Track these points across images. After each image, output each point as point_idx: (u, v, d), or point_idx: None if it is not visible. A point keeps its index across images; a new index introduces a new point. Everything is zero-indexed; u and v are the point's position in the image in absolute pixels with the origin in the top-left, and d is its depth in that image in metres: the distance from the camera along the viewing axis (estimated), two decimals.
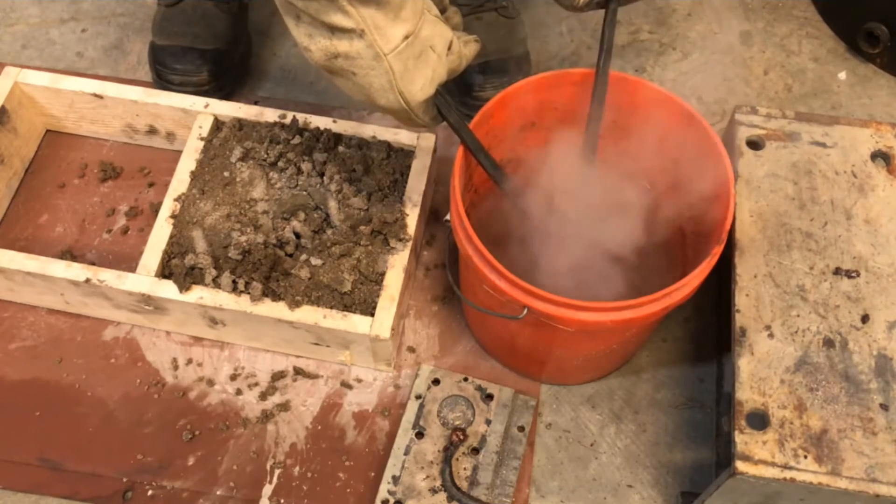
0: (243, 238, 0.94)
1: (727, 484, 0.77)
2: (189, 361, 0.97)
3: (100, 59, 1.22)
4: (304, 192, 0.99)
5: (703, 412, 0.96)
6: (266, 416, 0.94)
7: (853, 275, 0.84)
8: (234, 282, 0.90)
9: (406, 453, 0.89)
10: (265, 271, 0.91)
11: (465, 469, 0.88)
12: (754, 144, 0.92)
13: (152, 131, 1.09)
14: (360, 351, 0.93)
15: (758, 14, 1.28)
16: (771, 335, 0.81)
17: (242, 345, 0.98)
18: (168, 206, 0.97)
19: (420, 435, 0.90)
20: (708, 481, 0.84)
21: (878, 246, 0.86)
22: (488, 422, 0.90)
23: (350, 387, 0.96)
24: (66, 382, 0.96)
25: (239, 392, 0.96)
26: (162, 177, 1.09)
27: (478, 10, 1.12)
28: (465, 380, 0.93)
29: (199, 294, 0.91)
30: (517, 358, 0.95)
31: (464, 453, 0.89)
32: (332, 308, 0.90)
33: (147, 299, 0.92)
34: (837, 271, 0.84)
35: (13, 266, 0.92)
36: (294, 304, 0.89)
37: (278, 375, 0.96)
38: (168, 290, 0.91)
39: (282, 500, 0.90)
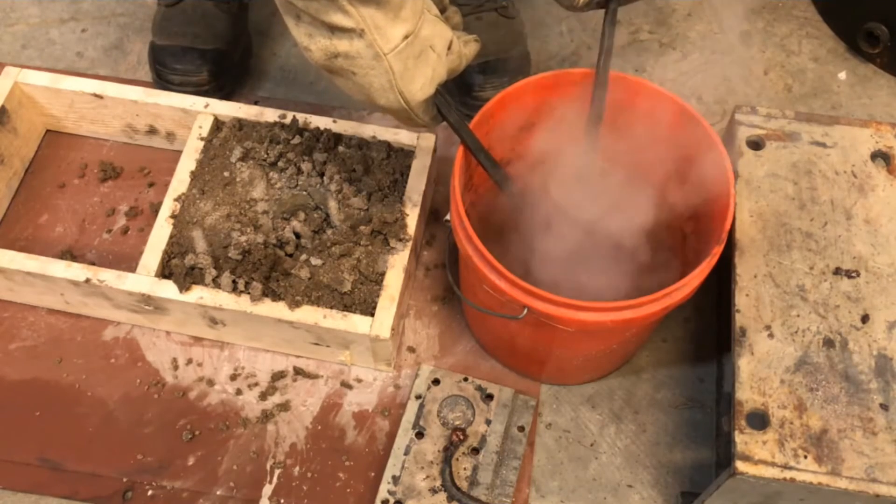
0: (243, 238, 0.94)
1: (727, 484, 0.77)
2: (189, 361, 0.97)
3: (100, 59, 1.22)
4: (304, 192, 0.99)
5: (703, 412, 0.96)
6: (266, 416, 0.94)
7: (853, 275, 0.84)
8: (234, 282, 0.90)
9: (406, 453, 0.89)
10: (265, 271, 0.91)
11: (465, 469, 0.88)
12: (754, 144, 0.92)
13: (152, 131, 1.09)
14: (360, 351, 0.93)
15: (758, 14, 1.28)
16: (771, 335, 0.81)
17: (242, 345, 0.98)
18: (168, 206, 0.97)
19: (420, 435, 0.90)
20: (708, 481, 0.84)
21: (878, 246, 0.86)
22: (488, 422, 0.90)
23: (350, 387, 0.96)
24: (66, 382, 0.96)
25: (239, 392, 0.96)
26: (162, 177, 1.09)
27: (478, 10, 1.12)
28: (465, 380, 0.93)
29: (199, 294, 0.91)
30: (517, 358, 0.95)
31: (464, 453, 0.89)
32: (332, 308, 0.90)
33: (147, 299, 0.92)
34: (837, 271, 0.84)
35: (13, 266, 0.92)
36: (294, 304, 0.89)
37: (278, 375, 0.96)
38: (168, 290, 0.91)
39: (282, 500, 0.90)
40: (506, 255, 0.85)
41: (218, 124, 1.03)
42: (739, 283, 0.84)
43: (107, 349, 0.98)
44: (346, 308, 0.91)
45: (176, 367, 0.97)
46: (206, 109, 1.03)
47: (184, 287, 0.90)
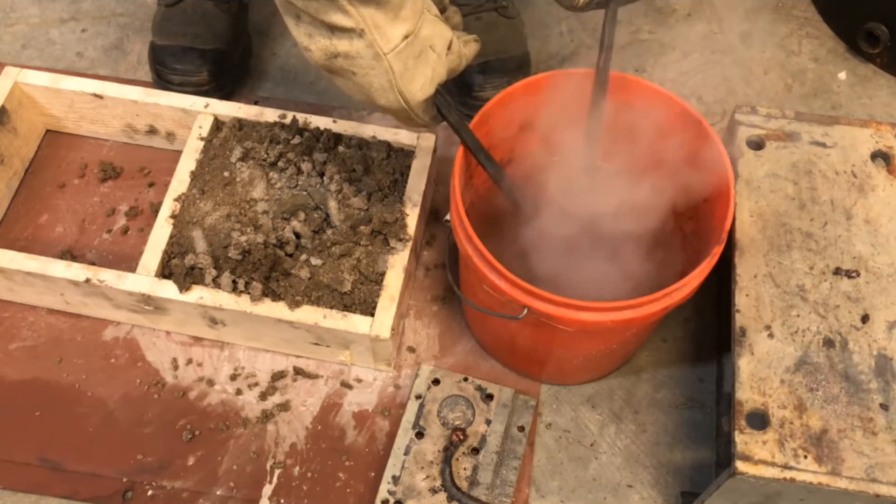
0: (243, 238, 0.94)
1: (727, 484, 0.77)
2: (189, 361, 0.97)
3: (100, 59, 1.22)
4: (304, 192, 0.99)
5: (703, 412, 0.96)
6: (266, 416, 0.94)
7: (853, 275, 0.84)
8: (234, 282, 0.90)
9: (406, 453, 0.89)
10: (265, 271, 0.91)
11: (465, 469, 0.88)
12: (754, 144, 0.92)
13: (152, 131, 1.09)
14: (360, 351, 0.93)
15: (758, 14, 1.28)
16: (771, 335, 0.81)
17: (242, 345, 0.98)
18: (168, 206, 0.97)
19: (420, 435, 0.90)
20: (708, 481, 0.84)
21: (878, 246, 0.86)
22: (488, 422, 0.90)
23: (350, 387, 0.96)
24: (66, 382, 0.96)
25: (239, 392, 0.96)
26: (162, 177, 1.09)
27: (478, 10, 1.12)
28: (465, 380, 0.93)
29: (199, 294, 0.91)
30: (517, 358, 0.95)
31: (464, 453, 0.89)
32: (332, 308, 0.90)
33: (147, 299, 0.92)
34: (837, 271, 0.84)
35: (13, 266, 0.92)
36: (294, 304, 0.89)
37: (278, 375, 0.96)
38: (168, 290, 0.91)
39: (282, 500, 0.90)
40: (506, 254, 0.85)
41: (218, 124, 1.03)
42: (739, 283, 0.84)
43: (107, 349, 0.98)
44: (346, 308, 0.91)
45: (176, 367, 0.97)
46: (206, 109, 1.03)
47: (184, 287, 0.90)
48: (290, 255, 0.95)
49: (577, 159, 0.89)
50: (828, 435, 0.76)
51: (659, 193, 0.90)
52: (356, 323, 0.89)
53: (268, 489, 0.90)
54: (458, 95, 1.11)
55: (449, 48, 0.79)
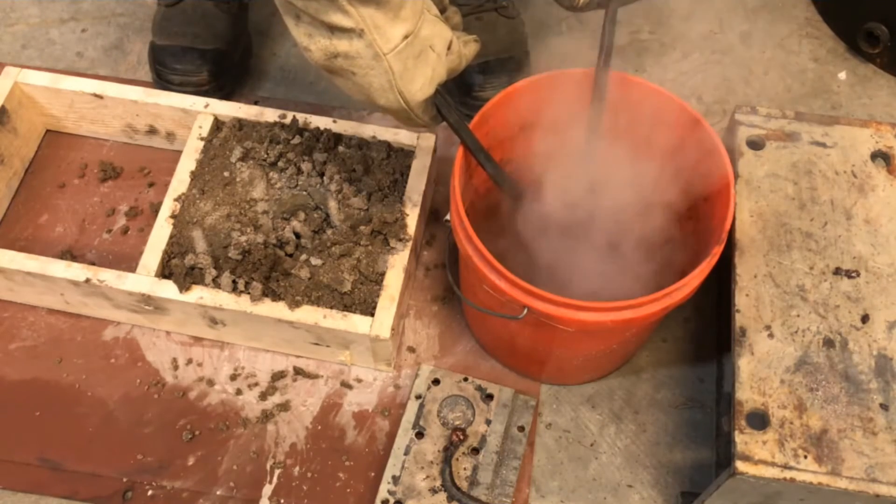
0: (243, 238, 0.94)
1: (727, 484, 0.77)
2: (189, 361, 0.97)
3: (100, 59, 1.22)
4: (304, 192, 0.99)
5: (703, 412, 0.96)
6: (266, 416, 0.94)
7: (853, 275, 0.84)
8: (234, 282, 0.90)
9: (406, 453, 0.89)
10: (265, 271, 0.91)
11: (465, 469, 0.88)
12: (754, 144, 0.92)
13: (152, 131, 1.09)
14: (360, 351, 0.93)
15: (758, 14, 1.28)
16: (771, 335, 0.81)
17: (242, 345, 0.98)
18: (168, 206, 0.97)
19: (420, 435, 0.90)
20: (708, 481, 0.84)
21: (878, 246, 0.86)
22: (488, 422, 0.90)
23: (350, 387, 0.96)
24: (66, 382, 0.96)
25: (239, 392, 0.96)
26: (162, 177, 1.09)
27: (478, 10, 1.12)
28: (465, 380, 0.93)
29: (199, 294, 0.91)
30: (517, 358, 0.95)
31: (464, 453, 0.89)
32: (332, 308, 0.90)
33: (147, 299, 0.92)
34: (837, 271, 0.84)
35: (13, 266, 0.92)
36: (294, 304, 0.89)
37: (278, 375, 0.96)
38: (168, 290, 0.91)
39: (282, 500, 0.90)
40: (506, 254, 0.85)
41: (218, 124, 1.03)
42: (739, 283, 0.84)
43: (107, 349, 0.98)
44: (346, 308, 0.91)
45: (176, 367, 0.97)
46: (206, 109, 1.03)
47: (184, 287, 0.90)
48: (290, 255, 0.95)
49: (576, 159, 0.88)
50: (828, 435, 0.76)
51: (658, 193, 0.90)
52: (356, 323, 0.89)
53: (268, 489, 0.90)
54: (458, 95, 1.11)
55: (449, 48, 0.79)
